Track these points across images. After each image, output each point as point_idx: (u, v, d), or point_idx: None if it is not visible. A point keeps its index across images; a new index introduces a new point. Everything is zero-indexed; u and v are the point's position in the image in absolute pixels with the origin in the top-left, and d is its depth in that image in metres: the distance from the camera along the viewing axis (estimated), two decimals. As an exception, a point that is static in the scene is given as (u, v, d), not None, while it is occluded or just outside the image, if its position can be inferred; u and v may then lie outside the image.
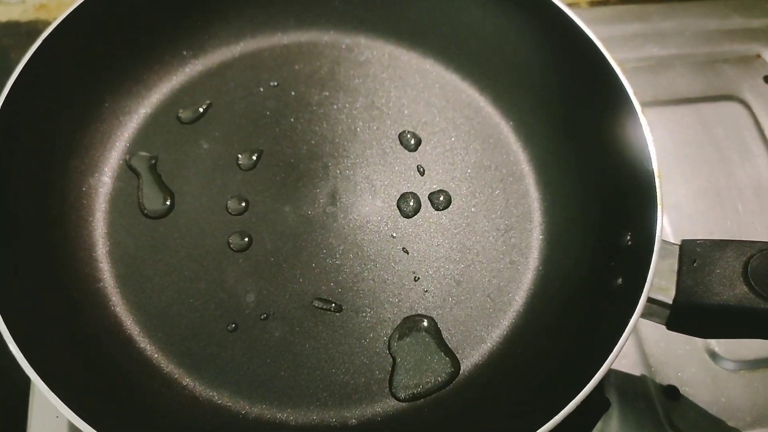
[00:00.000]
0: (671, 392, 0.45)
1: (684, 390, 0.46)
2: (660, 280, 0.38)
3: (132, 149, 0.49)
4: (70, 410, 0.34)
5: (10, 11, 0.62)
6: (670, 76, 0.61)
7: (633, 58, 0.61)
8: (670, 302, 0.38)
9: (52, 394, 0.34)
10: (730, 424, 0.45)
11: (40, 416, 0.43)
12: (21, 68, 0.43)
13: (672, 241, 0.40)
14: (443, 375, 0.43)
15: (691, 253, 0.39)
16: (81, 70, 0.48)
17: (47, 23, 0.61)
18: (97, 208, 0.47)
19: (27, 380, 0.43)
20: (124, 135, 0.50)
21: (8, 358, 0.35)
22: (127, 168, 0.49)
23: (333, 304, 0.45)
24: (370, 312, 0.44)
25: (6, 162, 0.42)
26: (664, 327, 0.40)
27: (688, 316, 0.39)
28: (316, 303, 0.45)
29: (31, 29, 0.61)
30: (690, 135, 0.56)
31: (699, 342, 0.48)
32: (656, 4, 0.66)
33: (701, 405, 0.45)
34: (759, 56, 0.62)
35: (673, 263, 0.39)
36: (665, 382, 0.46)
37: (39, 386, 0.34)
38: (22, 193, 0.43)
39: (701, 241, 0.39)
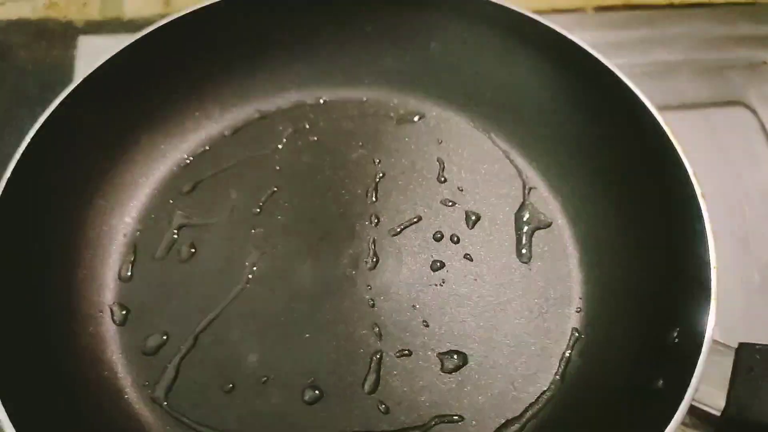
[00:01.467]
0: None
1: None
2: (708, 388, 0.34)
3: (162, 194, 0.49)
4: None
5: (20, 9, 0.63)
6: (678, 82, 0.60)
7: (640, 63, 0.61)
8: (719, 414, 0.34)
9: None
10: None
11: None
12: (57, 103, 0.43)
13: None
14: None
15: (749, 359, 0.35)
16: (117, 110, 0.47)
17: (57, 21, 0.61)
18: (114, 250, 0.47)
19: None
20: (155, 177, 0.50)
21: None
22: (151, 212, 0.48)
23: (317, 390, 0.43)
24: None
25: (32, 191, 0.42)
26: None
27: None
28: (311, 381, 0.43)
29: (40, 27, 0.61)
30: (697, 141, 0.56)
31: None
32: (663, 10, 0.66)
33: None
34: (766, 63, 0.62)
35: (727, 369, 0.35)
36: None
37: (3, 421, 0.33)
38: (42, 226, 0.43)
39: (762, 347, 0.35)
